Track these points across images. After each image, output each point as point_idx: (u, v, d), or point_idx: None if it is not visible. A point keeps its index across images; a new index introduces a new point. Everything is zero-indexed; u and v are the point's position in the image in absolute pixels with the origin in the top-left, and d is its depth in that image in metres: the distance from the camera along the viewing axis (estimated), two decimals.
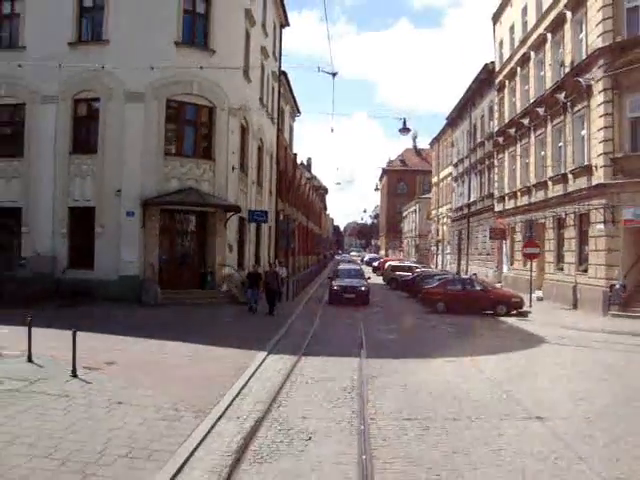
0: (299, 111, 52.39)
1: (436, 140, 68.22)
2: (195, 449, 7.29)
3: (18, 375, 10.26)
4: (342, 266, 38.69)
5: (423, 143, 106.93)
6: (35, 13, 24.75)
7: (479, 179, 45.70)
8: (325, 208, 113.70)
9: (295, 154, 55.06)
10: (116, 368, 11.42)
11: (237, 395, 9.99)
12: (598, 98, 23.95)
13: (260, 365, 12.58)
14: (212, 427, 8.19)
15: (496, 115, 40.09)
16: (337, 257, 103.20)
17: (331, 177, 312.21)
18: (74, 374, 10.39)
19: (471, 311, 23.96)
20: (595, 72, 24.16)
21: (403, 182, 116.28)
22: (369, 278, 33.61)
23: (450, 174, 57.93)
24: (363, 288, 28.04)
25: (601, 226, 23.54)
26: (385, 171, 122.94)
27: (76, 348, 10.45)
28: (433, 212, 69.47)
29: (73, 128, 24.78)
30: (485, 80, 42.76)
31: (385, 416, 9.15)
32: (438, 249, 65.51)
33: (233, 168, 26.56)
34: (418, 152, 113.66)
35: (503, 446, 7.87)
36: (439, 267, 58.95)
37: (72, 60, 23.72)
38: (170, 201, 23.91)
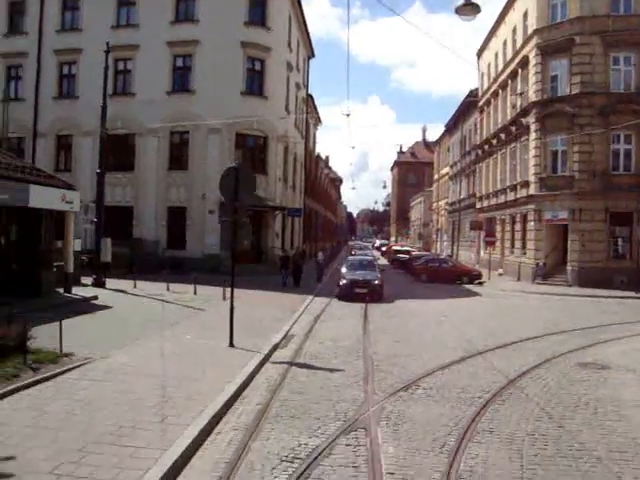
0: (321, 121, 63.34)
1: (437, 143, 79.01)
2: (296, 320, 18.26)
3: (196, 300, 21.29)
4: (352, 256, 37.62)
5: (433, 132, 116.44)
6: (142, 70, 35.60)
7: (467, 181, 56.37)
8: (340, 197, 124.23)
9: (318, 155, 66.08)
10: (241, 300, 22.36)
11: (305, 308, 21.05)
12: (533, 135, 34.76)
13: (312, 300, 23.62)
14: (301, 314, 19.26)
15: (478, 132, 50.73)
16: (350, 243, 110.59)
17: (345, 161, 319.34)
18: (224, 299, 21.30)
19: (444, 281, 34.59)
20: (531, 116, 34.96)
21: (412, 173, 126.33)
22: (382, 270, 30.71)
23: (447, 173, 68.47)
24: (377, 282, 25.37)
25: (532, 223, 34.52)
26: (396, 163, 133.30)
27: (203, 291, 21.36)
28: (434, 204, 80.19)
29: (170, 152, 35.77)
30: (472, 102, 53.33)
31: (375, 316, 20.09)
32: (437, 237, 76.20)
33: (279, 179, 37.54)
34: (427, 145, 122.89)
35: (429, 326, 18.82)
36: (438, 252, 69.55)
37: (169, 104, 34.85)
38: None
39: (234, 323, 13.44)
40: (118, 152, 34.41)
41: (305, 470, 6.55)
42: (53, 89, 37.33)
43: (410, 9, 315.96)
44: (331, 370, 11.61)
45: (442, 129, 70.62)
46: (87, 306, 18.33)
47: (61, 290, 20.12)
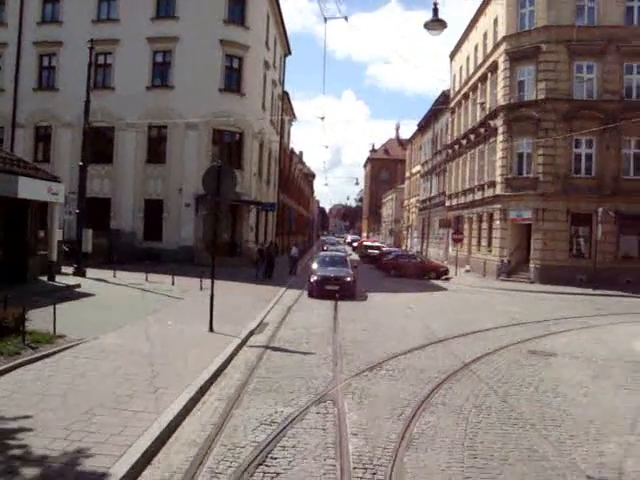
0: (295, 117, 64.34)
1: (410, 141, 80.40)
2: (270, 309, 19.33)
3: (175, 290, 22.23)
4: (324, 252, 36.74)
5: (407, 128, 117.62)
6: (122, 64, 36.29)
7: (438, 179, 57.80)
8: (312, 192, 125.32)
9: (292, 150, 67.08)
10: (217, 290, 23.35)
11: (279, 299, 22.13)
12: (500, 137, 36.16)
13: (285, 292, 24.69)
14: (274, 304, 20.33)
15: (449, 132, 52.13)
16: (322, 238, 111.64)
17: (319, 155, 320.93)
18: (201, 289, 22.23)
19: (413, 276, 35.88)
20: (499, 119, 36.35)
21: (385, 170, 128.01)
22: (355, 266, 29.59)
23: (419, 171, 69.85)
24: (349, 279, 24.56)
25: (498, 222, 35.95)
26: (369, 159, 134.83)
27: (179, 281, 22.35)
28: (405, 202, 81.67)
29: (148, 145, 36.54)
30: (444, 102, 54.72)
31: (344, 307, 21.20)
32: (408, 233, 77.68)
33: (254, 174, 38.51)
34: (400, 142, 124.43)
35: (395, 317, 20.00)
36: (408, 248, 71.01)
37: (148, 99, 35.64)
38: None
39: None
40: (97, 144, 34.96)
41: (282, 431, 7.65)
42: (33, 80, 37.84)
43: (387, 5, 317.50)
44: (303, 353, 12.71)
45: (415, 126, 71.99)
46: (71, 293, 19.19)
47: (44, 278, 20.92)
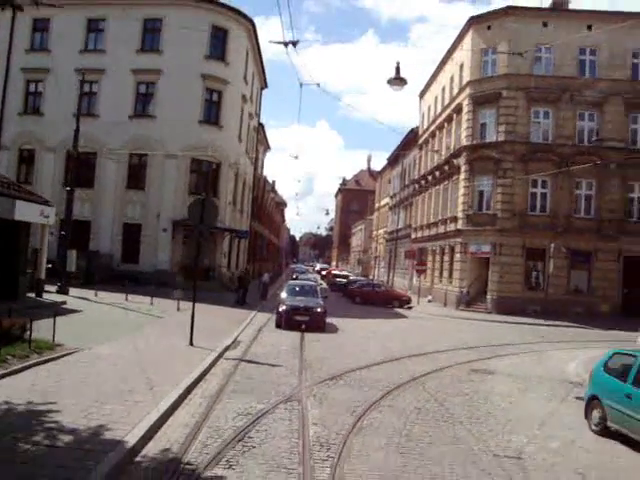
0: (270, 147, 66.52)
1: (379, 174, 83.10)
2: (243, 329, 21.05)
3: (154, 310, 23.84)
4: (294, 281, 35.32)
5: (379, 159, 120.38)
6: (107, 93, 37.99)
7: (405, 212, 60.13)
8: (283, 220, 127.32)
9: (265, 179, 69.09)
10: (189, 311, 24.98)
11: (251, 321, 23.84)
12: (462, 175, 38.54)
13: (256, 315, 26.41)
14: (247, 325, 22.07)
15: (417, 167, 54.59)
16: (292, 265, 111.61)
17: (291, 183, 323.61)
18: (178, 309, 23.88)
19: (377, 304, 37.80)
20: (461, 159, 38.77)
21: (356, 201, 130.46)
22: (326, 296, 29.74)
23: (387, 203, 72.22)
24: (319, 309, 23.53)
25: (459, 255, 38.16)
26: (340, 190, 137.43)
27: (157, 303, 24.01)
28: (374, 232, 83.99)
29: (128, 171, 38.15)
30: (412, 139, 57.29)
31: (310, 329, 23.00)
32: (376, 263, 79.83)
33: (229, 203, 40.33)
34: (371, 174, 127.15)
35: (357, 339, 21.83)
36: (376, 277, 73.01)
37: (131, 127, 37.38)
38: (190, 223, 37.33)
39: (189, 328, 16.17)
40: (80, 169, 36.60)
41: (256, 420, 9.46)
42: (19, 105, 39.31)
43: (363, 36, 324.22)
44: (273, 365, 14.53)
45: (385, 160, 74.59)
46: (59, 309, 20.66)
47: (32, 295, 22.40)
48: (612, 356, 11.02)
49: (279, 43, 14.39)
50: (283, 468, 7.46)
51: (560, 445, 9.43)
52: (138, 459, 7.37)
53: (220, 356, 15.13)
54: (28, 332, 13.30)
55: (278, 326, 22.73)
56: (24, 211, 20.20)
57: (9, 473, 6.23)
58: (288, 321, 22.50)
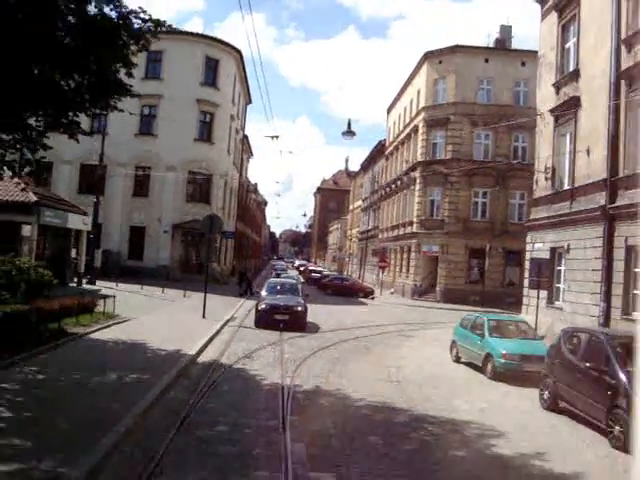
0: (252, 155, 73.41)
1: (354, 177, 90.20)
2: (237, 309, 27.91)
3: (166, 296, 30.61)
4: (275, 279, 35.32)
5: (359, 156, 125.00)
6: (115, 115, 44.22)
7: (374, 214, 67.21)
8: (264, 219, 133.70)
9: (248, 182, 75.92)
10: (194, 297, 31.65)
11: (240, 306, 30.70)
12: (417, 186, 45.72)
13: (245, 301, 33.24)
14: (239, 308, 28.95)
15: (383, 175, 61.70)
16: (272, 262, 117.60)
17: (271, 182, 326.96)
18: (184, 296, 30.58)
19: (345, 295, 44.59)
20: (417, 172, 45.94)
21: (334, 200, 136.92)
22: (307, 295, 27.35)
23: (360, 206, 79.28)
24: (299, 308, 22.98)
25: (414, 254, 45.37)
26: (319, 189, 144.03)
27: (166, 292, 30.75)
28: (348, 232, 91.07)
29: (134, 182, 44.79)
30: (380, 149, 64.41)
31: None
32: (349, 260, 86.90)
33: (220, 208, 47.13)
34: (349, 174, 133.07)
35: (322, 316, 28.83)
36: (349, 273, 80.00)
37: (136, 144, 44.09)
38: (187, 226, 44.14)
39: (197, 308, 23.02)
40: (92, 179, 43.17)
41: (254, 351, 16.47)
42: None
43: (344, 31, 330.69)
44: (261, 329, 21.46)
45: (359, 165, 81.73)
46: (99, 295, 27.42)
47: (74, 284, 29.10)
48: (464, 318, 18.22)
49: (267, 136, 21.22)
50: (271, 366, 14.44)
51: (431, 366, 16.48)
52: (197, 361, 14.34)
53: (225, 324, 22.02)
54: (97, 306, 20.06)
55: (257, 325, 22.33)
56: (72, 220, 26.95)
57: (143, 358, 13.11)
58: (267, 320, 22.15)
